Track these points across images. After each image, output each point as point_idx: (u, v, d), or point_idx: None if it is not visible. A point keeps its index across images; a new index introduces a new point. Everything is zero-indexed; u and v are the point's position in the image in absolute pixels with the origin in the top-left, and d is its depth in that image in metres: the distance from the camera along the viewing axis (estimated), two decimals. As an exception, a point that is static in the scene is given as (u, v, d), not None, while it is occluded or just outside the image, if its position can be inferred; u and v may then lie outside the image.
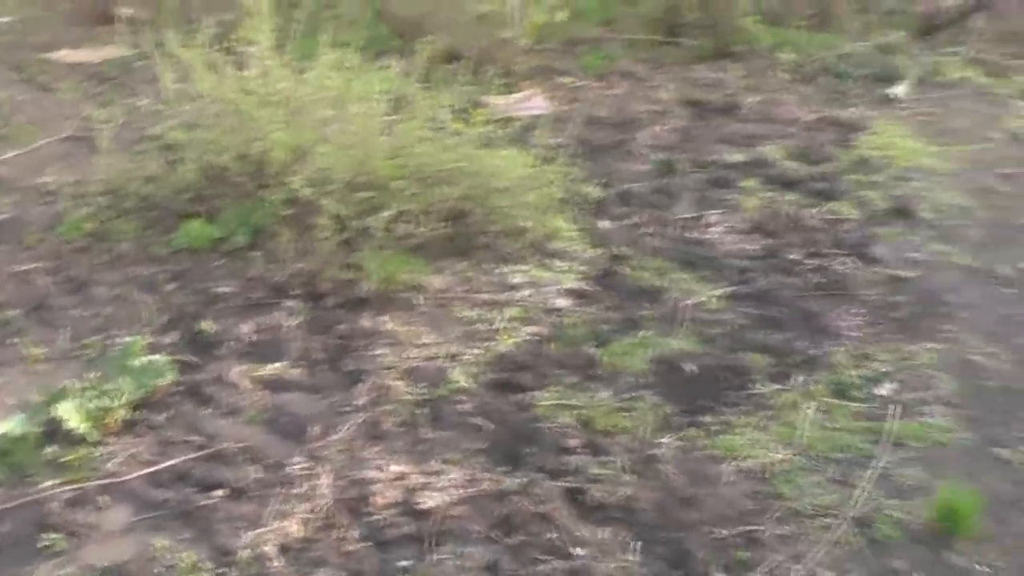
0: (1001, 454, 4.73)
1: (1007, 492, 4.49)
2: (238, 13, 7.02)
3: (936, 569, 4.09)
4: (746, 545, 4.19)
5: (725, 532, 4.25)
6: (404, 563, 4.09)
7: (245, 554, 4.13)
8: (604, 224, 6.92)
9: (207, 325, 5.77)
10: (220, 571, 4.04)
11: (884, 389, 5.15)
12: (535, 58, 9.95)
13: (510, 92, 9.07)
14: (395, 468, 4.62)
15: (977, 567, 4.11)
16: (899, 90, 9.32)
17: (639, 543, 4.19)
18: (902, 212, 6.97)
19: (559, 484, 4.48)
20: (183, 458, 4.74)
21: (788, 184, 7.42)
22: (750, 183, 7.43)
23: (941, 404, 5.05)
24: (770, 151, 7.98)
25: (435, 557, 4.11)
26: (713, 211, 7.07)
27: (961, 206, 7.11)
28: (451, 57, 8.84)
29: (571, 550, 4.13)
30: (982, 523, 4.26)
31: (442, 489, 4.47)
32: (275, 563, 4.09)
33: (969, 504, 4.25)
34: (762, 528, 4.27)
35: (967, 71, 9.75)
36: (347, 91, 6.66)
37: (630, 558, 4.12)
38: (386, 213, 6.09)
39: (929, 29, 10.73)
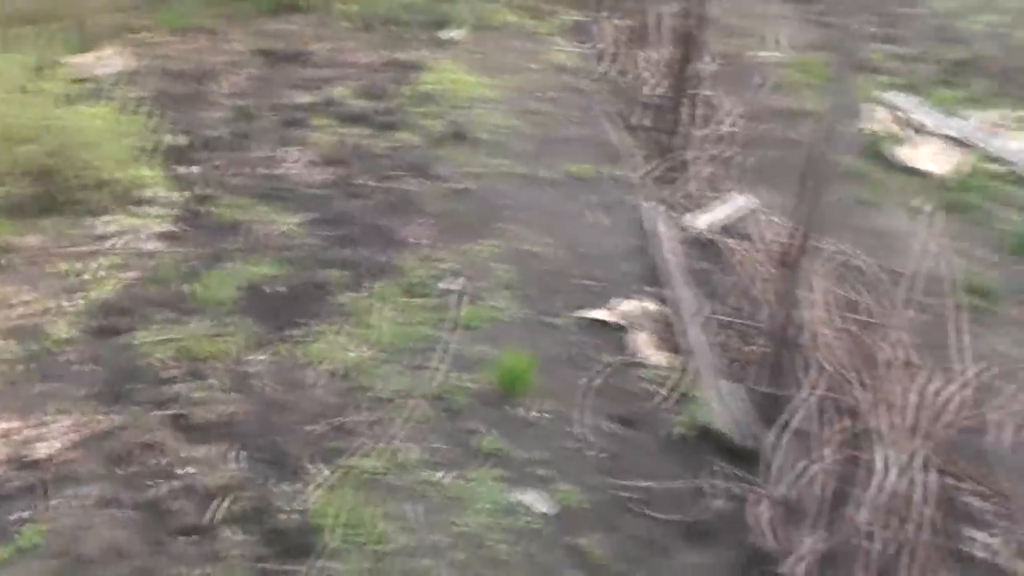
0: (552, 322, 5.26)
1: (557, 352, 5.02)
2: None
3: (504, 424, 4.51)
4: (336, 436, 4.40)
5: (317, 428, 4.43)
6: (22, 514, 3.89)
7: None
8: (188, 169, 6.79)
9: None
10: None
11: (450, 283, 5.50)
12: (113, 17, 9.47)
13: (89, 51, 8.61)
14: (4, 425, 4.36)
15: (537, 415, 4.59)
16: (453, 33, 9.77)
17: (242, 452, 4.28)
18: (460, 135, 7.41)
19: (164, 413, 4.46)
20: None
21: (356, 119, 7.62)
22: (322, 121, 7.55)
23: (501, 289, 5.51)
24: (339, 92, 8.13)
25: (52, 503, 3.95)
26: (289, 148, 7.13)
27: (511, 126, 7.67)
28: (29, 19, 8.26)
29: (180, 470, 4.16)
30: (539, 380, 4.74)
31: (54, 438, 4.30)
32: None
33: (526, 366, 4.70)
34: (350, 418, 4.48)
35: (512, 15, 10.39)
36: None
37: (233, 466, 4.20)
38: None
39: (475, -20, 11.25)
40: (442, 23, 10.03)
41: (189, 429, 4.40)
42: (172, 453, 4.24)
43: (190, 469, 4.16)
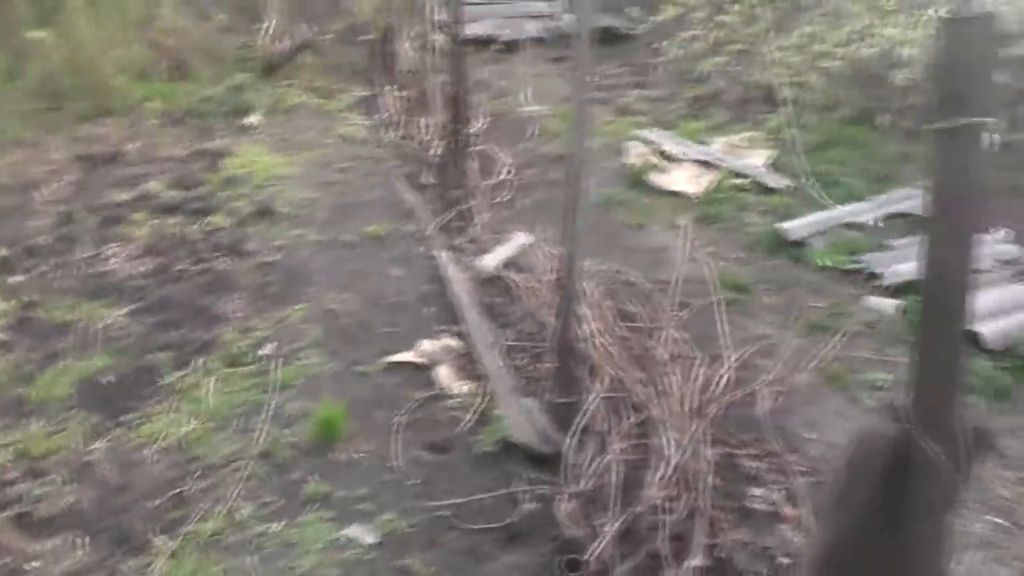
0: (361, 370, 5.25)
1: (369, 396, 5.02)
2: None
3: (326, 469, 4.47)
4: (176, 506, 4.26)
5: (157, 502, 4.28)
6: None
7: None
8: (15, 279, 6.44)
9: None
10: None
11: (267, 349, 5.43)
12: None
13: None
14: None
15: (355, 456, 4.57)
16: (253, 119, 9.65)
17: (87, 538, 4.08)
18: (265, 212, 7.32)
19: (6, 515, 4.19)
20: None
21: (171, 209, 7.41)
22: (140, 215, 7.30)
23: (312, 347, 5.46)
24: (153, 186, 7.89)
25: None
26: (111, 245, 6.86)
27: (311, 198, 7.62)
28: None
29: (27, 566, 3.92)
30: (354, 424, 4.73)
31: None
32: None
33: (340, 414, 4.68)
34: (187, 488, 4.35)
35: (303, 97, 10.35)
36: None
37: (80, 553, 4.00)
38: None
39: (269, 69, 11.15)
40: (242, 110, 9.90)
41: (33, 526, 4.16)
42: (17, 552, 3.99)
43: (36, 564, 3.94)
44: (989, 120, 2.78)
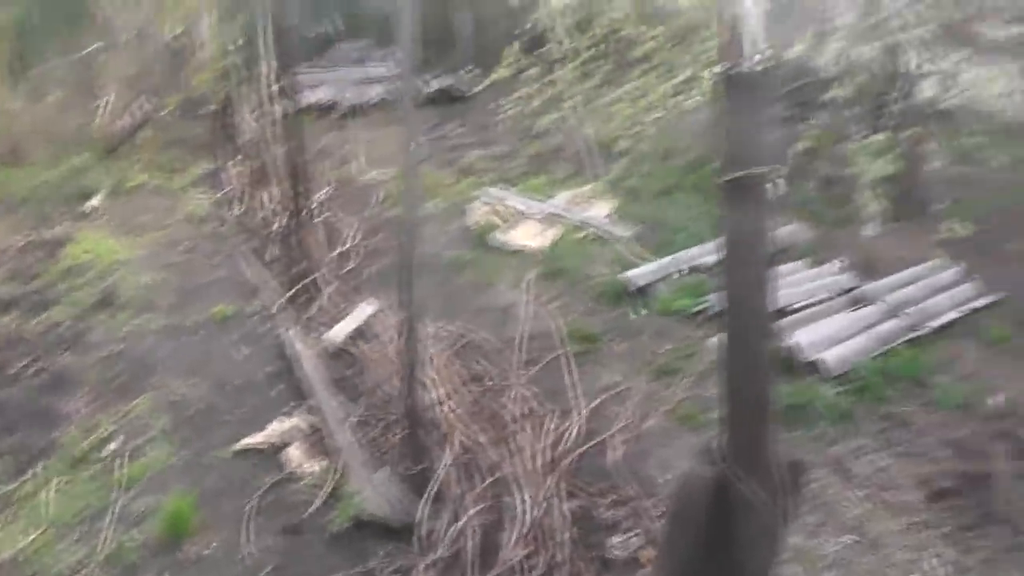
0: (211, 459, 5.15)
1: (217, 486, 4.93)
2: None
3: (174, 567, 4.36)
4: (15, 626, 4.08)
5: (-7, 624, 4.09)
6: None
7: None
8: None
9: None
10: None
11: (112, 446, 5.26)
12: None
13: None
14: None
15: (205, 550, 4.47)
16: (94, 202, 9.39)
17: None
18: (107, 301, 7.13)
19: None
20: None
21: (7, 306, 7.11)
22: (-31, 318, 7.00)
23: (159, 439, 5.33)
24: (-14, 282, 7.58)
25: None
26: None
27: (155, 282, 7.48)
28: None
29: None
30: (204, 516, 4.63)
31: None
32: None
33: (188, 507, 4.58)
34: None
35: (146, 175, 10.13)
36: None
37: None
38: None
39: (110, 148, 10.89)
40: (83, 194, 9.62)
41: None
42: None
43: None
44: (767, 170, 3.00)
